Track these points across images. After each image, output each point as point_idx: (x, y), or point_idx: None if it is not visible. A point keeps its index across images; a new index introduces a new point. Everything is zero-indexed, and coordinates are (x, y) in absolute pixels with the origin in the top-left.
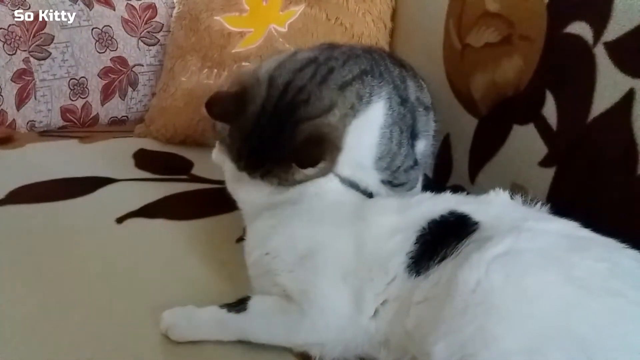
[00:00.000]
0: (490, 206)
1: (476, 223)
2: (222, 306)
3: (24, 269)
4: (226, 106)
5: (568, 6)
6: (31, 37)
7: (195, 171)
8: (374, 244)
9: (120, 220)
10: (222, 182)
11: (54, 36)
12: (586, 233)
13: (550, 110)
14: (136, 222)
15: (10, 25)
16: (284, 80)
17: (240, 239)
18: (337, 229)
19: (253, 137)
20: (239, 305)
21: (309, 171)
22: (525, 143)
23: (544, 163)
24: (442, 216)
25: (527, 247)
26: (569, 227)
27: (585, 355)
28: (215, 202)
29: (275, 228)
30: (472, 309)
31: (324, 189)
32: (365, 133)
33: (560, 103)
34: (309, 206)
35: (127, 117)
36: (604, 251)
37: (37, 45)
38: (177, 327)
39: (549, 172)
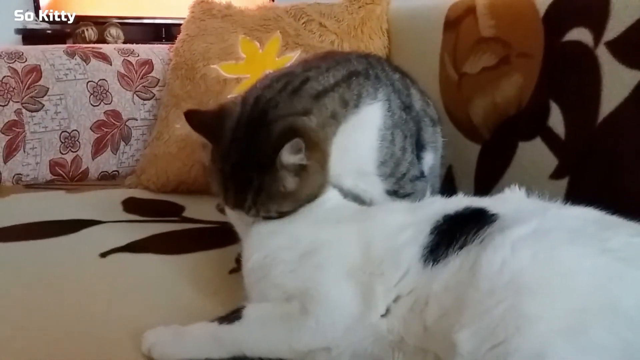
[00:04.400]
0: (507, 202)
1: (494, 214)
2: (213, 320)
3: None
4: (205, 119)
5: (564, 15)
6: (25, 89)
7: (187, 214)
8: (383, 239)
9: (104, 254)
10: (216, 222)
11: (48, 88)
12: (614, 218)
13: (556, 120)
14: (120, 256)
15: (4, 76)
16: (254, 95)
17: (234, 270)
18: (341, 226)
19: (232, 150)
20: (232, 315)
21: (290, 158)
22: (533, 158)
23: (556, 175)
24: (457, 212)
25: (555, 226)
26: (596, 213)
27: (631, 331)
28: (207, 238)
29: (275, 230)
30: (499, 290)
31: (323, 198)
32: (361, 134)
33: (566, 111)
34: (309, 210)
35: (118, 172)
36: (637, 229)
37: (31, 97)
38: (161, 345)
39: (562, 184)
